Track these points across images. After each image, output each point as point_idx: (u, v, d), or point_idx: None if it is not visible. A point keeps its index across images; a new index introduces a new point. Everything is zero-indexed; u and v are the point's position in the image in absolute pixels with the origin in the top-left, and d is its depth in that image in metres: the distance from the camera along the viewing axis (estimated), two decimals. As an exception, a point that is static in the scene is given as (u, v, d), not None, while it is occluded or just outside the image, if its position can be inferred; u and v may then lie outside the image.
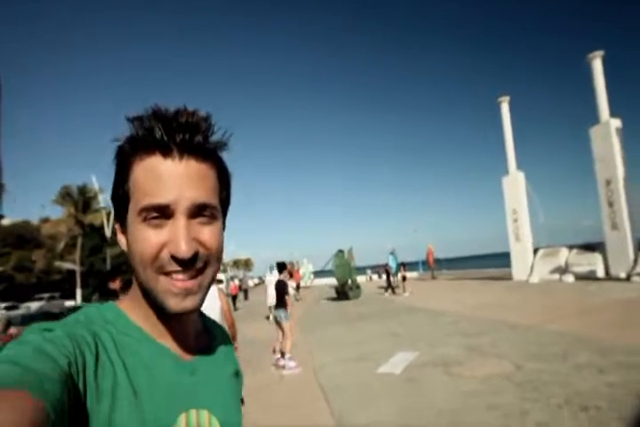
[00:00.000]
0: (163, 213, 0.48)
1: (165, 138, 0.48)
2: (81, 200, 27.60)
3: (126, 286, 4.14)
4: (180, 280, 0.49)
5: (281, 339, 6.33)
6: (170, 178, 0.48)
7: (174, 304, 0.49)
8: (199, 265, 0.50)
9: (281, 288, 6.27)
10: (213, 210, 0.51)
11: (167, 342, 0.55)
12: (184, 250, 0.47)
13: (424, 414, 3.64)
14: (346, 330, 8.86)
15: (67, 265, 39.83)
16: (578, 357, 4.89)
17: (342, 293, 17.40)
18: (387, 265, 20.03)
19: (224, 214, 0.56)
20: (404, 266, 19.03)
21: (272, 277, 9.72)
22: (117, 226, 0.55)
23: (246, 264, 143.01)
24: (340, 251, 18.58)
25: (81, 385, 0.43)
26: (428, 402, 3.91)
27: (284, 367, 5.96)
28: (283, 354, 6.14)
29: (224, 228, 0.56)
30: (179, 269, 0.48)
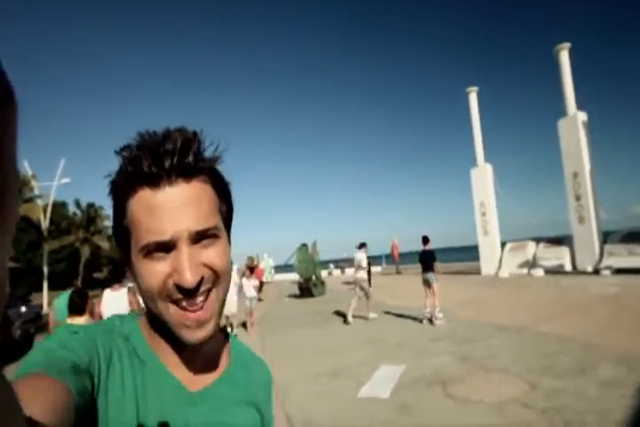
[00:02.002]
0: (164, 247, 0.49)
1: (154, 169, 0.48)
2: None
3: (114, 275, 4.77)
4: (192, 311, 0.49)
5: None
6: (165, 211, 0.48)
7: (188, 336, 0.50)
8: (205, 288, 0.50)
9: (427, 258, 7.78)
10: (215, 230, 0.51)
11: (175, 368, 0.55)
12: (189, 280, 0.48)
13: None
14: (313, 334, 7.74)
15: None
16: (598, 370, 4.05)
17: (306, 289, 16.29)
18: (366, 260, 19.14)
19: (228, 227, 0.56)
20: (369, 261, 18.59)
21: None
22: (124, 259, 0.55)
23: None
24: (304, 245, 17.46)
25: (95, 382, 0.47)
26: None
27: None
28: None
29: (229, 241, 0.56)
30: (185, 296, 0.49)
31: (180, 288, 0.48)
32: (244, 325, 8.93)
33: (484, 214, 18.76)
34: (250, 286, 8.85)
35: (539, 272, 14.00)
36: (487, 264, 17.17)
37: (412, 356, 5.28)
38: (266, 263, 31.39)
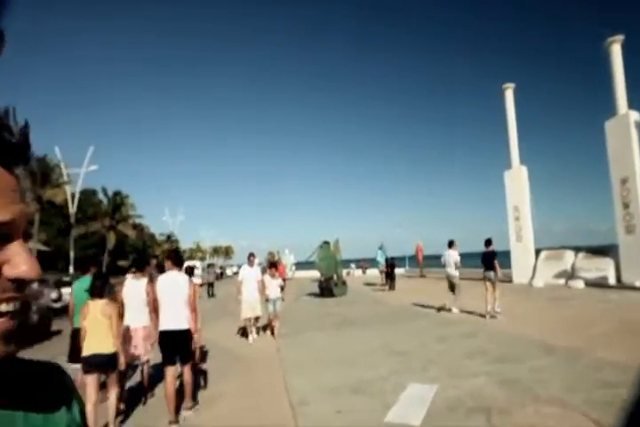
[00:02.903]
0: None
1: None
2: (39, 173, 25.05)
3: (136, 263, 4.87)
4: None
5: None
6: None
7: None
8: None
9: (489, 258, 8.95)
10: None
11: None
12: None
13: None
14: (331, 339, 7.21)
15: (35, 245, 37.15)
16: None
17: (327, 289, 15.77)
18: (390, 260, 18.62)
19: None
20: (392, 262, 18.06)
21: (252, 272, 7.67)
22: None
23: (226, 252, 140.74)
24: (326, 242, 16.90)
25: None
26: None
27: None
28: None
29: None
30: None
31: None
32: (263, 328, 8.28)
33: (517, 219, 17.69)
34: (274, 284, 7.92)
35: (579, 284, 12.96)
36: (520, 272, 16.16)
37: (444, 373, 4.66)
38: (287, 259, 31.05)
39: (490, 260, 8.86)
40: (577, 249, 15.30)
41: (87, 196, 41.01)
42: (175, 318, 3.81)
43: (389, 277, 17.52)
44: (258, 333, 7.83)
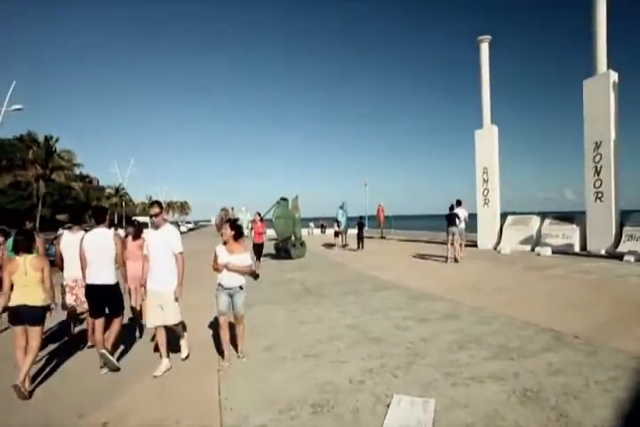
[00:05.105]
0: None
1: None
2: None
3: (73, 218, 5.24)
4: None
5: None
6: None
7: None
8: None
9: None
10: None
11: None
12: None
13: None
14: (288, 317, 5.89)
15: None
16: None
17: (284, 250, 14.45)
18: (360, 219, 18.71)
19: None
20: (361, 222, 18.08)
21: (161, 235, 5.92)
22: None
23: (182, 208, 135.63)
24: (284, 199, 15.32)
25: None
26: None
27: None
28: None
29: None
30: None
31: None
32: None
33: (485, 181, 16.92)
34: (234, 261, 4.04)
35: (546, 251, 12.50)
36: (485, 237, 15.64)
37: (439, 375, 3.46)
38: (243, 218, 29.35)
39: (453, 218, 11.40)
40: (543, 215, 14.86)
41: (12, 141, 35.83)
42: (99, 273, 4.03)
43: (359, 237, 17.26)
44: (169, 355, 4.04)
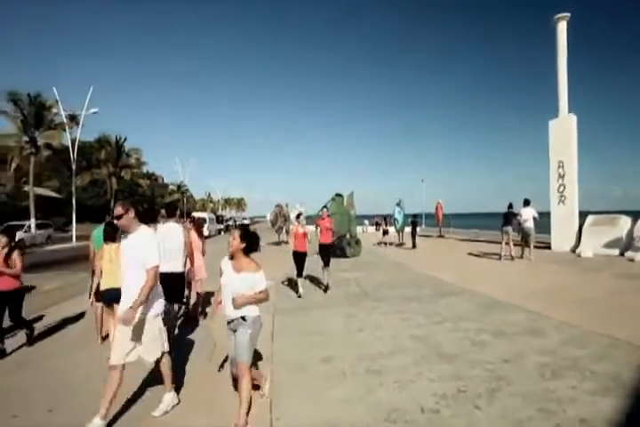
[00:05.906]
0: None
1: None
2: (33, 111, 22.90)
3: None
4: None
5: None
6: None
7: None
8: None
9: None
10: None
11: None
12: None
13: None
14: (345, 323, 5.46)
15: (45, 192, 35.98)
16: None
17: (338, 248, 14.04)
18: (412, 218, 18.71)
19: None
20: (414, 221, 18.13)
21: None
22: None
23: (239, 204, 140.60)
24: (339, 195, 14.95)
25: None
26: None
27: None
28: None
29: None
30: None
31: None
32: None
33: (561, 176, 15.19)
34: (232, 281, 3.21)
35: (640, 256, 10.88)
36: (560, 238, 14.05)
37: (529, 410, 2.84)
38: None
39: (509, 217, 11.62)
40: (635, 215, 13.03)
41: (91, 144, 39.17)
42: (171, 262, 4.30)
43: (413, 235, 17.08)
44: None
